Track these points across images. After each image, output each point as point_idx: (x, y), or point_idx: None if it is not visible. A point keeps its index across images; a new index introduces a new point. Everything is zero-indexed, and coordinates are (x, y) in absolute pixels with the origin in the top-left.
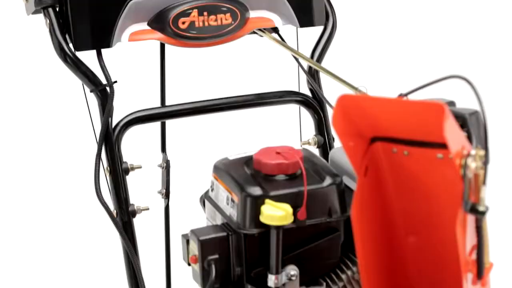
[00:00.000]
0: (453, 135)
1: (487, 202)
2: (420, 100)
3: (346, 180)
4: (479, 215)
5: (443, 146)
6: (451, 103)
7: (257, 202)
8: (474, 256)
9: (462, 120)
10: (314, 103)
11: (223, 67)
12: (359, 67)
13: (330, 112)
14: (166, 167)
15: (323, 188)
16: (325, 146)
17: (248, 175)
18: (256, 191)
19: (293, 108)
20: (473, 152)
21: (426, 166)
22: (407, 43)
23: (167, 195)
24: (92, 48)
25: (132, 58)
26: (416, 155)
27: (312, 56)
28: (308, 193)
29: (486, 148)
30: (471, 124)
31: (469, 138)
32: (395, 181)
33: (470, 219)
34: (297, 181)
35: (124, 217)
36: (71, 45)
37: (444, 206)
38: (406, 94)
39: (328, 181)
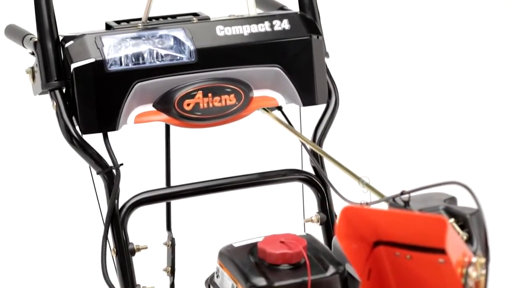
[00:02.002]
0: (454, 244)
1: None
2: (421, 213)
3: (349, 268)
4: None
5: (444, 251)
6: (452, 199)
7: None
8: None
9: (463, 220)
10: (317, 181)
11: (226, 144)
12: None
13: (332, 191)
14: (172, 245)
15: (327, 278)
16: (327, 224)
17: (253, 264)
18: (261, 281)
19: (297, 185)
20: (474, 259)
21: (428, 270)
22: (409, 119)
23: (172, 273)
24: (99, 132)
25: (137, 139)
26: (418, 259)
27: (314, 135)
28: (312, 283)
29: (486, 248)
30: (472, 225)
31: (470, 238)
32: (398, 283)
33: None
34: (301, 271)
35: None
36: (77, 127)
37: None
38: (408, 192)
39: (331, 270)
